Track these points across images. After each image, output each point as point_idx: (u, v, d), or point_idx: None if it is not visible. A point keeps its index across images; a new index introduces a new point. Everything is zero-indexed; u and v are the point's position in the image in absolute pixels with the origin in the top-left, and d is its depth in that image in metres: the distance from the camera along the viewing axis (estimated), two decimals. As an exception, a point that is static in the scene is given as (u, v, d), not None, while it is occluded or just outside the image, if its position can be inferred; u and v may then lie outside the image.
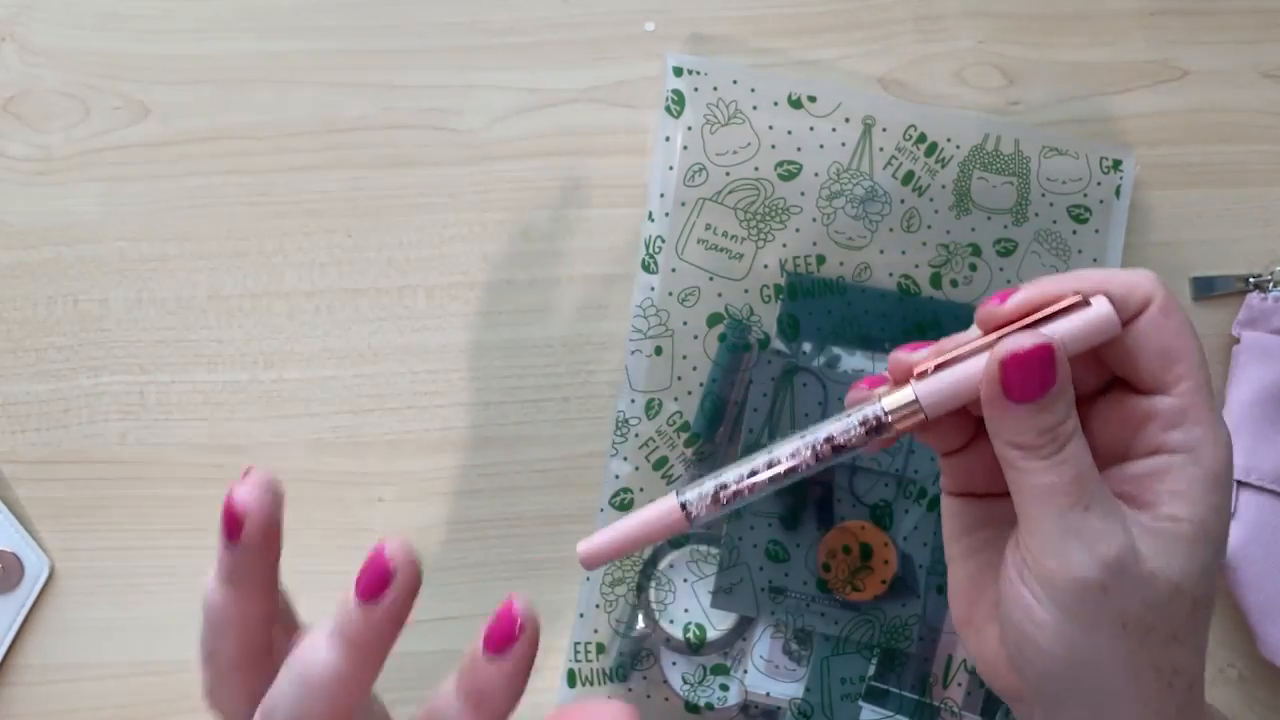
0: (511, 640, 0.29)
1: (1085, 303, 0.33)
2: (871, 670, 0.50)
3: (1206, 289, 0.53)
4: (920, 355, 0.35)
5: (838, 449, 0.34)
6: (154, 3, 0.54)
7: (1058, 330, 0.33)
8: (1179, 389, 0.33)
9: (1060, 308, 0.33)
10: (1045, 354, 0.32)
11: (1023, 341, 0.32)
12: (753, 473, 0.34)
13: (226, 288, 0.53)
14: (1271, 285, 0.52)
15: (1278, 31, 0.54)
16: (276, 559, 0.33)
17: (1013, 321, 0.34)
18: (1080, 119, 0.53)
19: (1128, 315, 0.34)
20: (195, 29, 0.54)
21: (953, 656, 0.50)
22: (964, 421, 0.36)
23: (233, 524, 0.31)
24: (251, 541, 0.32)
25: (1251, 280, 0.52)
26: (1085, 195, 0.51)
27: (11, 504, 0.53)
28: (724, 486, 0.34)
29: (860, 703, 0.50)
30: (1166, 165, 0.53)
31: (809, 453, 0.34)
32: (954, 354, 0.34)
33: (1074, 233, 0.51)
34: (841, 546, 0.49)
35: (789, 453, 0.34)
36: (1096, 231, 0.51)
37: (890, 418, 0.34)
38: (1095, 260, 0.51)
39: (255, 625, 0.32)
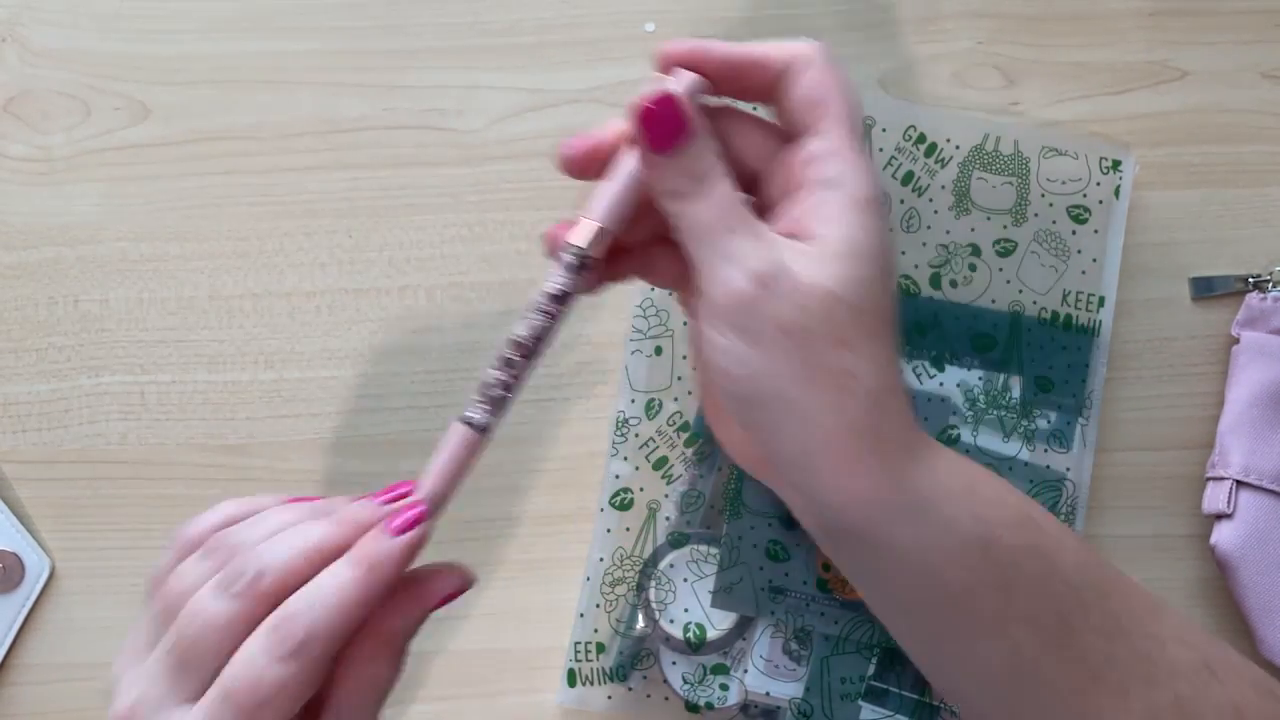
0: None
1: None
2: (871, 670, 0.50)
3: (1206, 289, 0.53)
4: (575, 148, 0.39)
5: (556, 298, 0.38)
6: (154, 3, 0.54)
7: (682, 80, 0.38)
8: (825, 131, 0.38)
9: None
10: (668, 102, 0.37)
11: (647, 92, 0.37)
12: (508, 360, 0.37)
13: (227, 288, 0.53)
14: (1271, 285, 0.52)
15: (1278, 31, 0.54)
16: None
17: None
18: (1080, 119, 0.53)
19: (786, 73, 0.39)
20: (195, 29, 0.54)
21: (952, 656, 0.50)
22: (672, 260, 0.41)
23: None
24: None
25: (1251, 280, 0.52)
26: (1085, 195, 0.51)
27: (12, 504, 0.53)
28: (488, 385, 0.37)
29: (860, 702, 0.50)
30: (1166, 165, 0.53)
31: (537, 314, 0.38)
32: (602, 137, 0.39)
33: (1073, 233, 0.51)
34: (841, 546, 0.49)
35: (524, 325, 0.38)
36: (1096, 232, 0.51)
37: (583, 245, 0.38)
38: (1095, 261, 0.51)
39: None
